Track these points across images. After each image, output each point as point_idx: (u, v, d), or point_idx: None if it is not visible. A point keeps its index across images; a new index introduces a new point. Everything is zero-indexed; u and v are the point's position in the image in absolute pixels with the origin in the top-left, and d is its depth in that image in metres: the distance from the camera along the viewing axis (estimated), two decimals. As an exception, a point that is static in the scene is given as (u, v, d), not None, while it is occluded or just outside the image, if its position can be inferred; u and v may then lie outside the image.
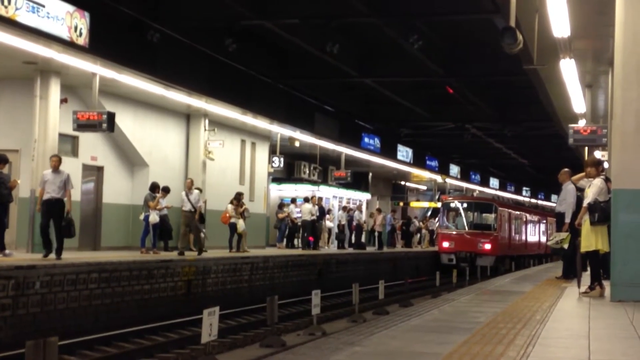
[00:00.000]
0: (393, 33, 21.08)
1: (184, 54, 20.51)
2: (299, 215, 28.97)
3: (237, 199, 23.85)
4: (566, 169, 15.26)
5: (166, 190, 21.21)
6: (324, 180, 38.34)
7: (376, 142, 33.70)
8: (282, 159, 30.78)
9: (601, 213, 11.28)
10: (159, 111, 23.95)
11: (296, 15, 19.81)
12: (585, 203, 11.65)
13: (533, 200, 67.37)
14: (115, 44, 17.73)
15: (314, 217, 28.76)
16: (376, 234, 35.30)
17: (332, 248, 32.58)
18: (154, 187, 20.80)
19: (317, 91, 28.62)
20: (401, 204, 51.34)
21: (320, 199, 32.10)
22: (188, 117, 25.45)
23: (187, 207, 20.62)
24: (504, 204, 40.26)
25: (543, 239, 45.34)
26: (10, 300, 12.97)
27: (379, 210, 36.69)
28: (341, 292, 22.98)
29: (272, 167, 30.74)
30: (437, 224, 40.74)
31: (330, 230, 33.81)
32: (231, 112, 24.01)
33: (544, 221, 47.75)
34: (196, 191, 20.98)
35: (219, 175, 26.79)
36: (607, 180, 11.78)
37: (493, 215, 36.88)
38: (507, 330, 7.80)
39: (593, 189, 11.52)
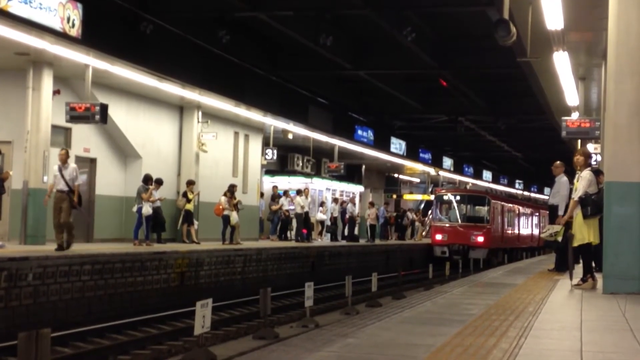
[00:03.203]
0: (387, 25, 21.06)
1: (177, 45, 20.45)
2: (292, 207, 28.97)
3: (231, 191, 23.84)
4: (559, 162, 15.29)
5: (159, 182, 21.19)
6: (317, 172, 38.35)
7: (369, 134, 33.70)
8: (275, 151, 30.75)
9: (593, 206, 11.31)
10: (152, 103, 23.89)
11: (290, 7, 19.77)
12: (575, 196, 11.67)
13: (526, 193, 67.48)
14: (108, 35, 17.67)
15: (306, 210, 28.78)
16: (368, 226, 35.36)
17: (325, 240, 32.60)
18: (147, 179, 20.77)
19: (311, 83, 28.59)
20: (394, 196, 51.37)
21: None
22: (181, 109, 25.40)
23: (60, 185, 16.41)
24: (496, 197, 40.32)
25: (536, 231, 45.43)
26: (2, 292, 12.95)
27: (372, 204, 36.74)
28: (334, 285, 23.00)
29: (265, 159, 30.72)
30: (430, 216, 40.77)
31: (323, 222, 33.83)
32: (224, 104, 23.97)
33: (537, 214, 47.84)
34: (73, 165, 16.73)
35: (212, 167, 26.76)
36: (597, 172, 11.80)
37: (486, 208, 36.93)
38: (500, 322, 7.81)
39: (582, 182, 11.55)
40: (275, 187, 30.29)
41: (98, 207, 22.36)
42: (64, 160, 16.61)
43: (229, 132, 28.13)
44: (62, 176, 16.37)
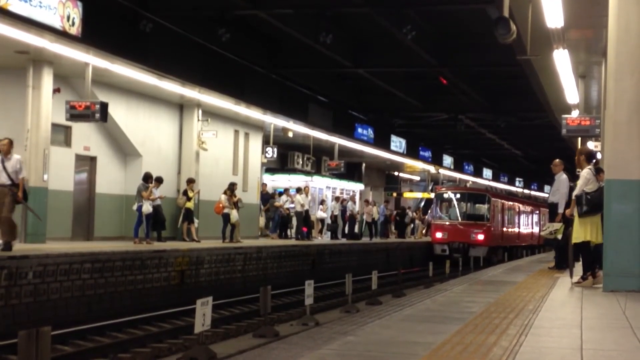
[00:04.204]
0: (387, 23, 21.06)
1: (177, 43, 20.46)
2: (292, 206, 28.98)
3: (231, 189, 23.84)
4: (558, 160, 15.30)
5: (159, 180, 21.18)
6: (317, 170, 38.35)
7: (369, 132, 33.70)
8: (275, 150, 30.75)
9: (588, 204, 11.31)
10: (152, 101, 23.88)
11: (290, 5, 19.77)
12: (574, 195, 11.69)
13: (526, 191, 67.49)
14: (108, 33, 17.67)
15: (307, 208, 28.78)
16: (364, 223, 35.41)
17: (325, 238, 32.60)
18: (147, 178, 20.77)
19: (311, 81, 28.59)
20: (394, 194, 51.37)
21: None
22: (181, 107, 25.39)
23: (2, 179, 14.47)
24: (497, 195, 40.33)
25: (536, 229, 45.43)
26: (3, 290, 12.95)
27: (367, 202, 36.78)
28: (334, 283, 23.00)
29: (265, 157, 30.72)
30: (430, 214, 40.78)
31: (323, 220, 33.85)
32: (224, 103, 23.97)
33: (537, 212, 47.84)
34: (16, 157, 14.84)
35: (212, 165, 26.75)
36: (598, 170, 11.80)
37: (486, 206, 36.94)
38: (500, 320, 7.81)
39: (580, 180, 11.60)
40: (264, 185, 30.35)
41: (98, 205, 22.37)
42: (7, 151, 14.76)
43: (229, 130, 28.13)
44: (4, 168, 14.53)
